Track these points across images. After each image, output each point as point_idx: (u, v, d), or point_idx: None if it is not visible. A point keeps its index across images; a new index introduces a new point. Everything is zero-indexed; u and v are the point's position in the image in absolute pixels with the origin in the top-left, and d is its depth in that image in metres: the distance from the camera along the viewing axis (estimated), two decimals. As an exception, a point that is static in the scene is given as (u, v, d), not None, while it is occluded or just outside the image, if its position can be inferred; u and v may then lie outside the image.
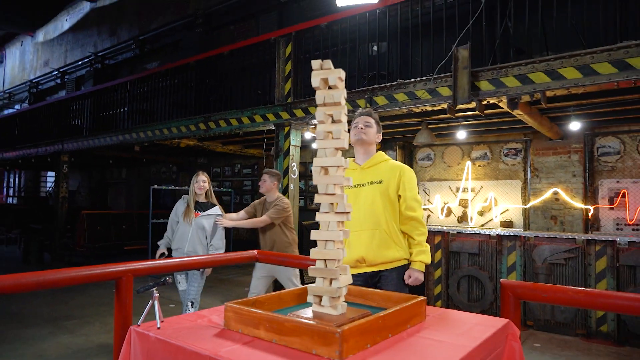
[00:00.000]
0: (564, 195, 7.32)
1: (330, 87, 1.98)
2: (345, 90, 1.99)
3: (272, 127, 6.46)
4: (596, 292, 2.13)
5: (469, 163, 8.51)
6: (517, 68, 4.38)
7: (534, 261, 4.94)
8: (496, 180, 8.23)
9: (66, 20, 18.36)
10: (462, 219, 8.64)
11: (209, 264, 3.19)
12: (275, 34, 6.42)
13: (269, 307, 1.84)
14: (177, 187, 9.77)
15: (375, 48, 5.87)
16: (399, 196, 2.54)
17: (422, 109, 5.20)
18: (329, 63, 1.94)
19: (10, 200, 18.52)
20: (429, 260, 2.48)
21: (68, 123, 10.87)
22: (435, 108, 5.11)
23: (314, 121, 6.18)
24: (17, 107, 19.64)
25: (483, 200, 8.27)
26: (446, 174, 8.99)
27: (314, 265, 1.85)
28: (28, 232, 10.72)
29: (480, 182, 8.45)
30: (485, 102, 4.72)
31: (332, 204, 1.92)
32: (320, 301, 1.75)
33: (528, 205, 7.71)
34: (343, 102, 1.96)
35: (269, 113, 6.45)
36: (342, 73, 1.96)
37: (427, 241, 5.74)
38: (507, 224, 7.84)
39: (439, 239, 5.71)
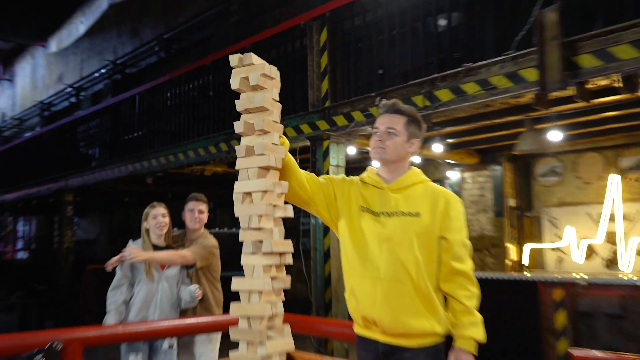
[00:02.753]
0: None
1: (254, 89, 2.11)
2: (275, 90, 2.11)
3: (307, 143, 6.65)
4: None
5: (615, 177, 8.03)
6: (633, 31, 4.18)
7: None
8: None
9: (81, 22, 20.43)
10: (612, 262, 8.14)
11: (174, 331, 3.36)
12: (304, 18, 6.69)
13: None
14: (218, 230, 10.23)
15: (441, 22, 5.91)
16: (442, 238, 2.42)
17: (504, 103, 5.11)
18: (249, 57, 2.09)
19: (20, 255, 20.30)
20: (483, 336, 2.33)
21: (76, 152, 11.99)
22: (520, 100, 4.99)
23: (368, 128, 6.28)
24: (28, 134, 21.97)
25: (643, 232, 7.75)
26: (582, 195, 8.60)
27: (236, 325, 1.95)
28: (29, 295, 11.70)
29: (637, 204, 7.93)
30: (591, 86, 4.54)
31: (258, 242, 2.02)
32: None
33: None
34: (271, 105, 2.08)
35: (302, 123, 6.67)
36: (267, 68, 2.09)
37: (541, 294, 5.49)
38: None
39: (561, 294, 5.41)
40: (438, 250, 2.43)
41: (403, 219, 2.44)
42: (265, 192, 2.00)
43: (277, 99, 2.13)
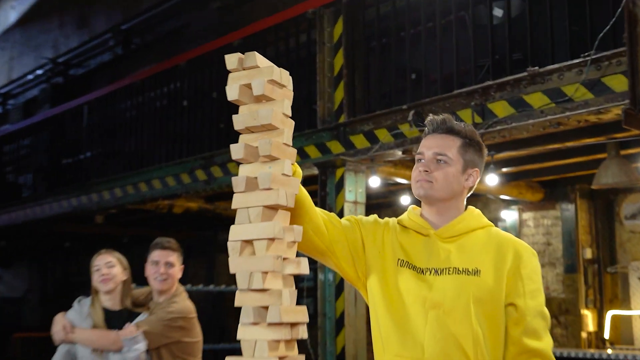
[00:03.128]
0: None
1: (258, 100, 2.11)
2: (287, 102, 2.10)
3: (314, 172, 6.65)
4: None
5: None
6: None
7: None
8: None
9: (12, 7, 20.70)
10: None
11: None
12: (312, 4, 6.76)
13: None
14: (191, 287, 10.19)
15: (497, 12, 5.95)
16: (510, 306, 2.42)
17: (581, 120, 5.14)
18: (253, 57, 2.09)
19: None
20: None
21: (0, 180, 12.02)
22: (602, 117, 5.00)
23: (397, 152, 6.28)
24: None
25: None
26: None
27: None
28: None
29: None
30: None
31: (261, 308, 1.99)
32: None
33: None
34: (281, 122, 2.07)
35: (308, 145, 6.68)
36: (277, 73, 2.08)
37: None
38: None
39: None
40: (505, 322, 2.42)
41: (457, 279, 2.43)
42: (272, 240, 1.97)
43: (289, 114, 2.12)
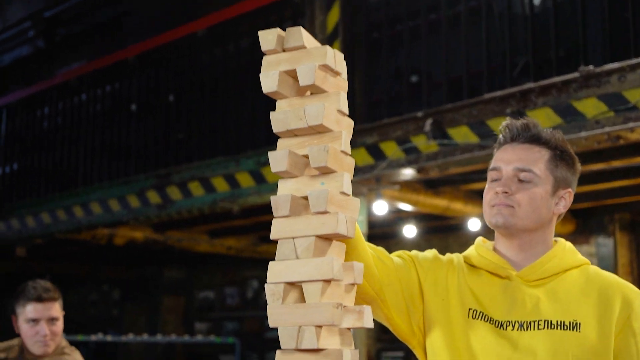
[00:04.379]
0: None
1: (302, 92, 1.96)
2: (343, 96, 1.95)
3: (303, 193, 6.56)
4: None
5: None
6: None
7: None
8: None
9: None
10: None
11: None
12: (302, -16, 6.69)
13: None
14: (133, 337, 10.01)
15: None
16: None
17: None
18: (298, 34, 1.95)
19: None
20: None
21: None
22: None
23: (407, 172, 6.18)
24: None
25: None
26: None
27: None
28: None
29: None
30: None
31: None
32: None
33: None
34: (336, 123, 1.93)
35: (295, 160, 6.58)
36: (330, 56, 1.96)
37: None
38: None
39: None
40: None
41: (551, 335, 2.33)
42: (328, 282, 1.84)
43: (346, 111, 1.98)
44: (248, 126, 7.41)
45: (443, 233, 10.42)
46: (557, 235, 8.16)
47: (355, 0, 6.59)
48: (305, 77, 1.89)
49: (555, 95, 5.26)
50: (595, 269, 2.49)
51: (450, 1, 6.10)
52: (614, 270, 8.97)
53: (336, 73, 1.97)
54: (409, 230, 9.15)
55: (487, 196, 2.44)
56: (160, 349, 12.93)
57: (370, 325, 1.94)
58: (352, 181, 5.50)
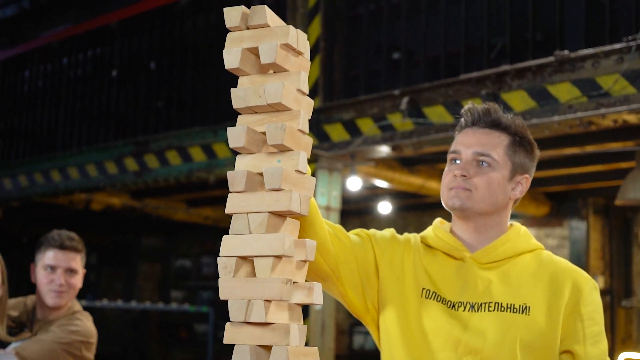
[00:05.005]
0: None
1: (265, 70, 1.97)
2: (304, 75, 1.95)
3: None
4: None
5: None
6: None
7: None
8: None
9: None
10: None
11: None
12: (282, -45, 6.69)
13: None
14: (107, 303, 10.03)
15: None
16: (566, 353, 2.39)
17: (617, 120, 5.12)
18: (262, 12, 1.97)
19: None
20: None
21: None
22: (647, 117, 4.98)
23: (383, 149, 6.20)
24: None
25: None
26: None
27: None
28: None
29: None
30: None
31: (261, 349, 1.88)
32: None
33: None
34: (295, 102, 1.93)
35: (271, 134, 6.59)
36: (292, 35, 1.97)
37: None
38: None
39: None
40: None
41: (500, 317, 2.36)
42: (279, 258, 1.85)
43: (306, 90, 1.99)
44: (227, 97, 7.35)
45: (419, 211, 10.48)
46: (531, 217, 8.24)
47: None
48: (267, 55, 1.89)
49: (531, 78, 5.28)
50: (548, 254, 2.51)
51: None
52: (586, 254, 9.05)
53: (298, 53, 1.97)
54: (384, 207, 9.18)
55: (446, 178, 2.46)
56: (135, 315, 12.98)
57: (320, 302, 1.95)
58: (326, 156, 5.55)
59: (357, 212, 10.71)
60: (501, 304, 2.37)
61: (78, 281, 3.90)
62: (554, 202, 9.23)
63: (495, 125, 2.48)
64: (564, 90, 5.13)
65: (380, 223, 10.12)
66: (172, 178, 7.62)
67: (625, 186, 6.89)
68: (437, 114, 5.70)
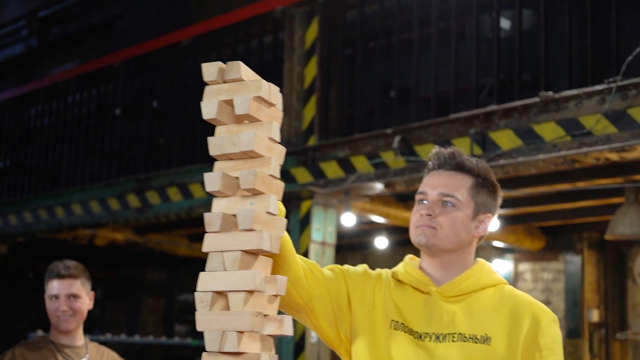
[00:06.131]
0: None
1: (239, 120, 2.11)
2: (275, 125, 2.10)
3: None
4: None
5: None
6: None
7: None
8: None
9: None
10: None
11: None
12: (283, 1, 6.79)
13: None
14: (111, 337, 10.01)
15: (504, 24, 6.04)
16: None
17: (600, 158, 5.22)
18: (237, 67, 2.08)
19: None
20: None
21: None
22: (625, 156, 5.08)
23: (377, 186, 6.30)
24: None
25: None
26: None
27: None
28: None
29: None
30: None
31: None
32: None
33: None
34: (267, 150, 2.07)
35: (268, 171, 6.68)
36: (265, 89, 2.08)
37: None
38: None
39: None
40: None
41: (463, 347, 2.44)
42: (251, 292, 1.97)
43: (278, 139, 2.12)
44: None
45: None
46: (527, 252, 8.28)
47: (332, 19, 6.69)
48: (241, 106, 2.02)
49: (517, 118, 5.37)
50: (510, 288, 2.57)
51: (423, 20, 6.19)
52: (581, 287, 9.08)
53: (270, 104, 2.08)
54: (381, 242, 9.23)
55: (414, 217, 2.55)
56: (138, 350, 12.95)
57: (290, 333, 2.05)
58: (322, 192, 5.68)
59: (355, 246, 10.74)
60: (464, 334, 2.44)
61: (83, 304, 4.02)
62: (549, 236, 9.27)
63: (460, 167, 2.56)
64: (548, 130, 5.23)
65: (377, 258, 10.18)
66: (172, 214, 7.70)
67: (615, 221, 6.99)
68: (427, 151, 5.67)
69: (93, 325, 12.94)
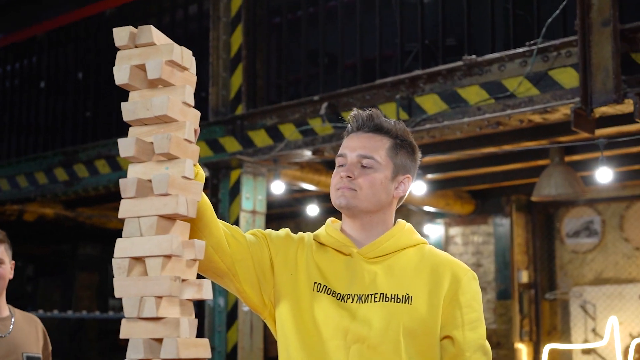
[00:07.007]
0: None
1: (153, 85, 2.09)
2: (189, 89, 2.08)
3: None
4: None
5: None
6: None
7: None
8: None
9: None
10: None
11: None
12: (205, -32, 6.75)
13: None
14: (43, 312, 9.93)
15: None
16: (447, 339, 2.49)
17: (524, 120, 5.28)
18: (148, 31, 2.06)
19: None
20: None
21: None
22: (548, 117, 5.14)
23: (305, 153, 6.31)
24: None
25: None
26: (632, 268, 8.87)
27: None
28: None
29: None
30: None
31: (153, 342, 1.95)
32: None
33: None
34: (181, 114, 2.05)
35: (197, 141, 6.63)
36: (177, 52, 2.06)
37: None
38: None
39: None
40: (440, 358, 2.47)
41: (385, 307, 2.46)
42: (168, 257, 1.95)
43: (192, 103, 2.10)
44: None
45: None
46: (457, 215, 8.39)
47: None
48: (153, 71, 2.00)
49: (441, 82, 5.42)
50: (430, 248, 2.61)
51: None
52: (510, 249, 9.21)
53: (183, 68, 2.06)
54: (312, 210, 9.25)
55: (334, 180, 2.55)
56: (73, 325, 12.84)
57: (209, 297, 2.06)
58: (251, 161, 5.66)
59: (288, 215, 10.76)
60: (386, 294, 2.46)
61: (5, 270, 3.97)
62: (478, 200, 9.39)
63: (378, 129, 2.58)
64: (473, 93, 5.29)
65: (310, 226, 10.18)
66: (101, 187, 7.63)
67: (540, 183, 7.10)
68: (354, 117, 5.79)
69: (25, 303, 12.81)
